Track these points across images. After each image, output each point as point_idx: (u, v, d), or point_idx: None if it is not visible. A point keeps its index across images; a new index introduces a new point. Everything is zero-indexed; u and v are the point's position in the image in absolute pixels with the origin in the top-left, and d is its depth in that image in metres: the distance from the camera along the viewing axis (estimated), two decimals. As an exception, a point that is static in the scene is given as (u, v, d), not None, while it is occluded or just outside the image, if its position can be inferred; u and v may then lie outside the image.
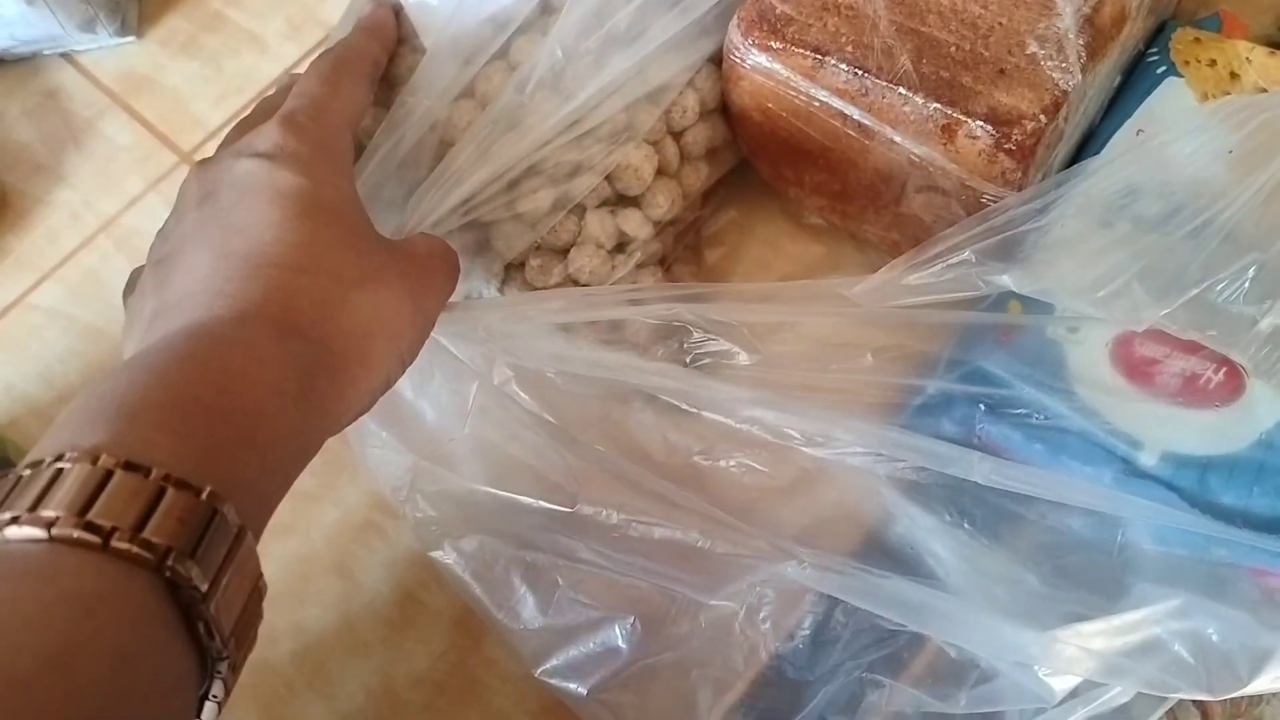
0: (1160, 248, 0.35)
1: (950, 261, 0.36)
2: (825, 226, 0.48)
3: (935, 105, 0.37)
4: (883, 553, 0.41)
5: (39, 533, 0.24)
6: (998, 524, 0.40)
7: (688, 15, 0.42)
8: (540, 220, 0.39)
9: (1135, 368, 0.37)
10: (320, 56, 0.39)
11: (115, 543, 0.24)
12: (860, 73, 0.38)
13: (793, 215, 0.49)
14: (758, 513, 0.40)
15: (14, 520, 0.24)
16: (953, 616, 0.35)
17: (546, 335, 0.38)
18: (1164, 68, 0.43)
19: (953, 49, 0.38)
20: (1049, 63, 0.37)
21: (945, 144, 0.38)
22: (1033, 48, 0.37)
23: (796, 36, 0.39)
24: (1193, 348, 0.36)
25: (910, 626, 0.36)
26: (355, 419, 0.33)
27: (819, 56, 0.39)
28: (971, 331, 0.39)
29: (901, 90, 0.38)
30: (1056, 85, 0.37)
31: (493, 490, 0.40)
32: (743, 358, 0.39)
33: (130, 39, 0.58)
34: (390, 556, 0.45)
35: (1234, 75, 0.42)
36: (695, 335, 0.39)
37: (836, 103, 0.39)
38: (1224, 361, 0.35)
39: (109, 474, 0.24)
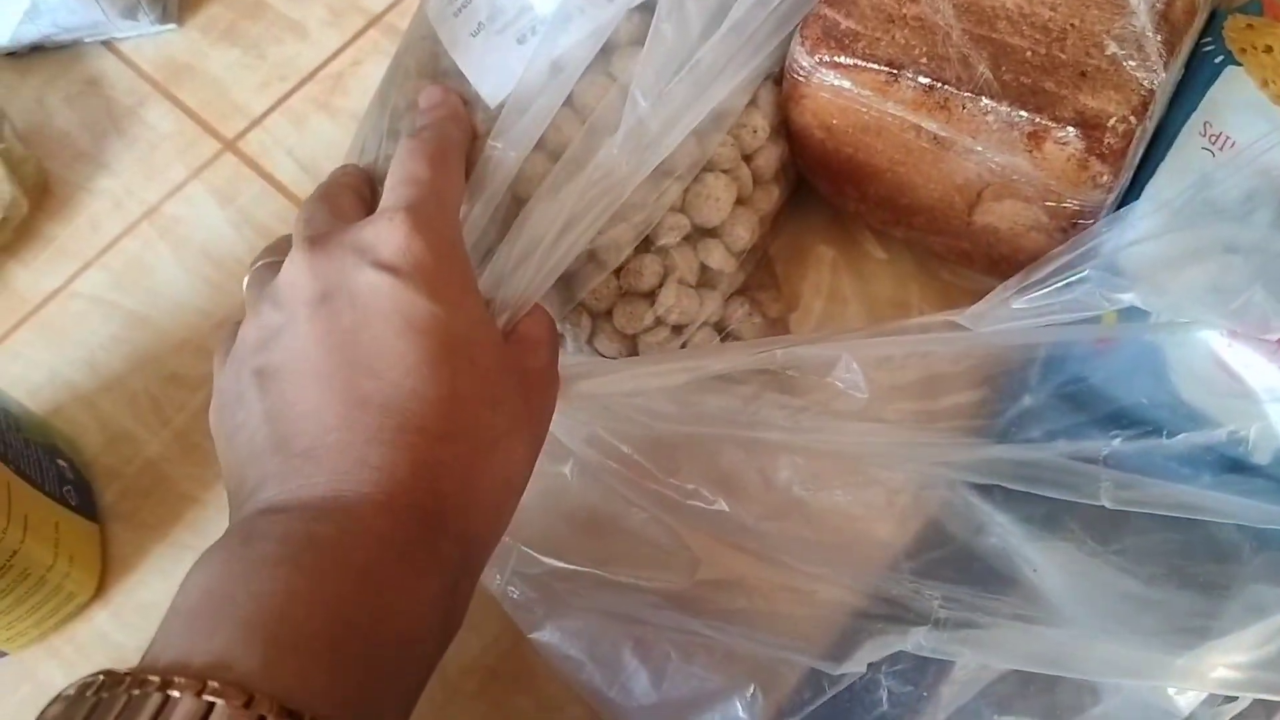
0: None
1: (1068, 280, 0.35)
2: (888, 241, 0.47)
3: (1021, 113, 0.37)
4: (978, 561, 0.40)
5: None
6: (1093, 528, 0.39)
7: (740, 33, 0.41)
8: (623, 264, 0.38)
9: (1241, 364, 0.36)
10: (416, 140, 0.36)
11: None
12: (939, 84, 0.37)
13: (853, 231, 0.48)
14: (862, 542, 0.40)
15: None
16: (1087, 656, 0.35)
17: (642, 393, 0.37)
18: (1221, 57, 0.43)
19: (1029, 54, 0.37)
20: (1130, 62, 0.37)
21: (1032, 151, 0.37)
22: (1112, 48, 0.37)
23: (867, 51, 0.38)
24: None
25: (1049, 672, 0.35)
26: None
27: (893, 71, 0.38)
28: (1065, 341, 0.39)
29: (985, 100, 0.37)
30: (1141, 84, 0.36)
31: (601, 573, 0.38)
32: (856, 395, 0.38)
33: (171, 26, 0.57)
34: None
35: (1292, 60, 0.42)
36: (806, 380, 0.38)
37: (912, 116, 0.39)
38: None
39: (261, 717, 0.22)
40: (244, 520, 0.28)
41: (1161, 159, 0.41)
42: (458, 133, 0.38)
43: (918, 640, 0.35)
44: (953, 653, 0.35)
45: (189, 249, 0.52)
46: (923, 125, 0.39)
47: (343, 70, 0.55)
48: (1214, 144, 0.41)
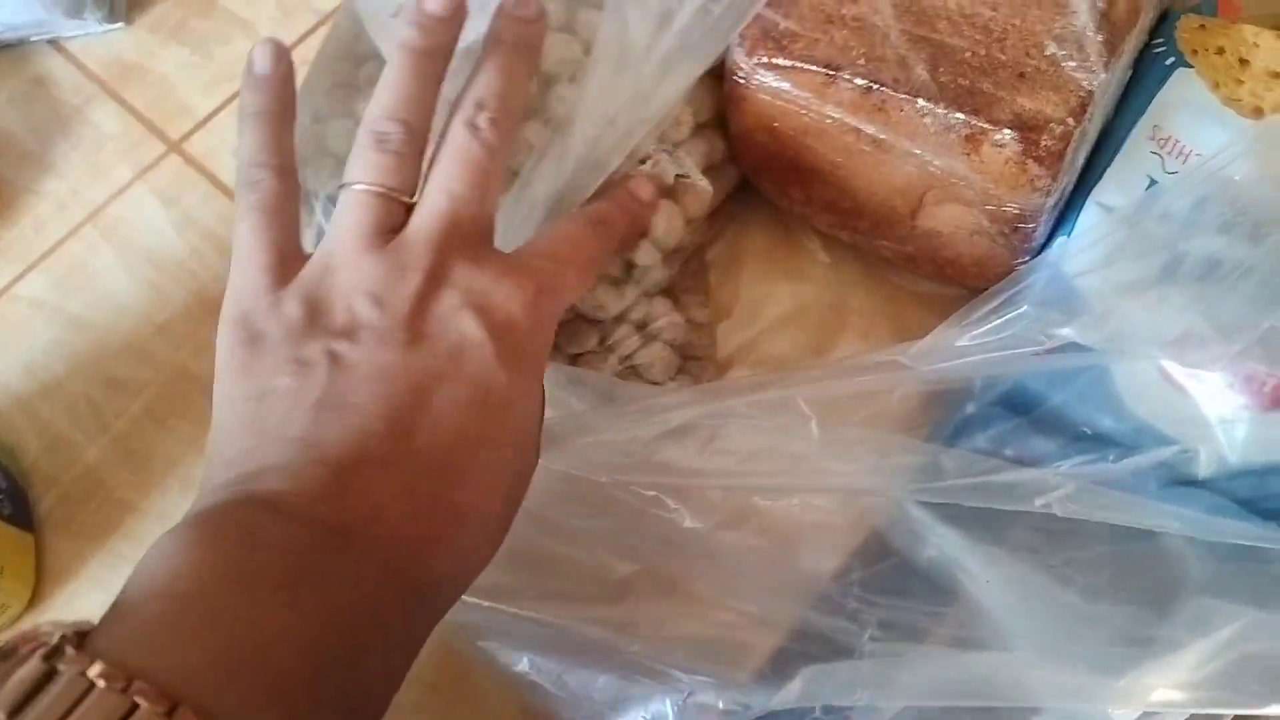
0: (1222, 283, 0.34)
1: (1007, 316, 0.35)
2: (833, 244, 0.46)
3: (958, 115, 0.36)
4: (918, 575, 0.39)
5: None
6: (1036, 539, 0.39)
7: (685, 41, 0.40)
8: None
9: (1186, 375, 0.36)
10: (594, 210, 0.36)
11: None
12: (876, 86, 0.37)
13: (797, 235, 0.47)
14: (804, 552, 0.39)
15: None
16: (1024, 681, 0.34)
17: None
18: (1172, 58, 0.42)
19: (968, 55, 0.37)
20: (1070, 63, 0.36)
21: (969, 154, 0.36)
22: (1052, 48, 0.36)
23: (804, 53, 0.38)
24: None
25: (985, 704, 0.34)
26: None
27: (830, 72, 0.37)
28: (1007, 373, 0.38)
29: (921, 102, 0.36)
30: (1081, 85, 0.36)
31: (536, 614, 0.38)
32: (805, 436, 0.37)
33: (119, 25, 0.56)
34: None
35: (1243, 61, 0.41)
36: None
37: (850, 119, 0.38)
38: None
39: None
40: (238, 505, 0.27)
41: (1109, 162, 0.40)
42: (622, 223, 0.37)
43: (848, 677, 0.34)
44: (884, 692, 0.34)
45: (132, 252, 0.51)
46: (862, 128, 0.38)
47: (291, 70, 0.55)
48: (1163, 148, 0.40)
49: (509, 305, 0.30)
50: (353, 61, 0.43)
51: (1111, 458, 0.37)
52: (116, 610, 0.24)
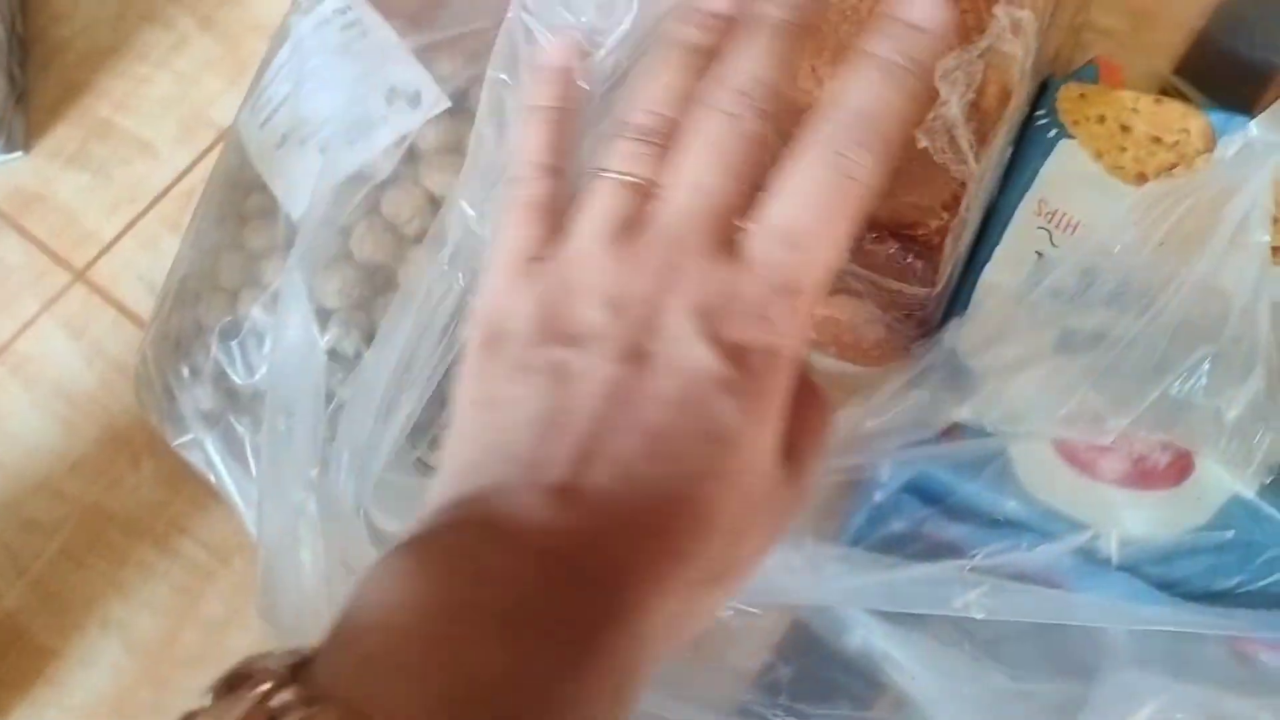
0: (1110, 354, 0.34)
1: (905, 404, 0.35)
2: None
3: (835, 215, 0.36)
4: (843, 667, 0.39)
5: None
6: (960, 622, 0.38)
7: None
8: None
9: (1082, 458, 0.36)
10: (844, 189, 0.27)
11: None
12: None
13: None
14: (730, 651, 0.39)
15: None
16: None
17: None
18: (1054, 130, 0.42)
19: (843, 152, 0.37)
20: (941, 156, 0.36)
21: (852, 251, 0.37)
22: (922, 142, 0.36)
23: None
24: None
25: None
26: None
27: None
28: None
29: (798, 204, 0.36)
30: (953, 179, 0.36)
31: None
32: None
33: (18, 155, 0.56)
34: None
35: (1124, 128, 0.42)
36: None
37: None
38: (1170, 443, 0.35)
39: None
40: (460, 529, 0.25)
41: (998, 241, 0.41)
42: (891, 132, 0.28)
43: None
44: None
45: (42, 388, 0.51)
46: (748, 227, 0.38)
47: (193, 187, 0.54)
48: (1050, 221, 0.41)
49: (758, 331, 0.26)
50: (241, 191, 0.43)
51: (1025, 545, 0.37)
52: (337, 639, 0.23)
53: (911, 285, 0.37)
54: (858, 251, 0.36)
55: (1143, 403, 0.34)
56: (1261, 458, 0.34)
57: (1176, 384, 0.33)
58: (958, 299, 0.40)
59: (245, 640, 0.45)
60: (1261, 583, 0.35)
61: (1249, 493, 0.35)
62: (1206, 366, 0.33)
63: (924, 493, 0.38)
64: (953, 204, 0.36)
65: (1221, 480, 0.34)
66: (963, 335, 0.38)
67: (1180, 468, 0.34)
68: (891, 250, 0.36)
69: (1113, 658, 0.37)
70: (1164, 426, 0.35)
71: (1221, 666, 0.36)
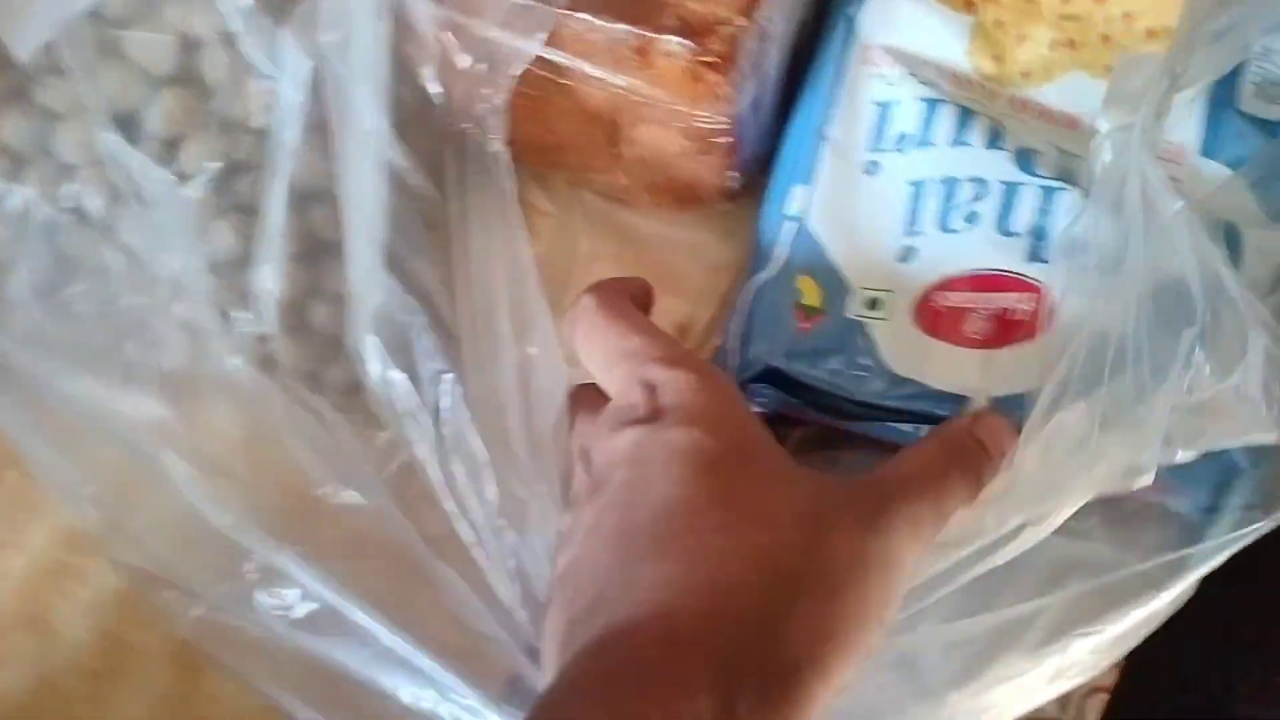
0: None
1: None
2: (555, 191, 0.43)
3: (623, 26, 0.33)
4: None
5: None
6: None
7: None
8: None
9: (944, 323, 0.34)
10: None
11: None
12: (536, 4, 0.33)
13: (524, 190, 0.44)
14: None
15: None
16: None
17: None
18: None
19: (630, -37, 0.34)
20: (733, -45, 0.33)
21: (643, 69, 0.34)
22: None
23: (459, -22, 0.34)
24: (997, 284, 0.33)
25: None
26: None
27: (486, -6, 0.34)
28: (766, 321, 0.36)
29: (582, 16, 0.33)
30: (748, -19, 0.33)
31: None
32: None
33: None
34: (91, 600, 0.39)
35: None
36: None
37: (521, 44, 0.35)
38: (1029, 287, 0.33)
39: None
40: None
41: (828, 94, 0.38)
42: None
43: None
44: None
45: None
46: (538, 54, 0.35)
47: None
48: (881, 63, 0.38)
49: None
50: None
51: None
52: None
53: (710, 104, 0.34)
54: (649, 68, 0.33)
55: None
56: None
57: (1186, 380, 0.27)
58: (787, 152, 0.38)
59: (20, 561, 0.40)
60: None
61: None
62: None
63: (781, 381, 0.36)
64: (747, 9, 0.33)
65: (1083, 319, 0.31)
66: (814, 204, 0.36)
67: (1043, 316, 0.33)
68: (685, 62, 0.33)
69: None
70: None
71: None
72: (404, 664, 0.33)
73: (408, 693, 0.33)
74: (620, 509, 0.26)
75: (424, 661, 0.33)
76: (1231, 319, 0.25)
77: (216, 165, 0.37)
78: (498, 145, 0.37)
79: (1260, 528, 0.28)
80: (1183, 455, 0.25)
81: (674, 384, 0.27)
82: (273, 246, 0.36)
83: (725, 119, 0.35)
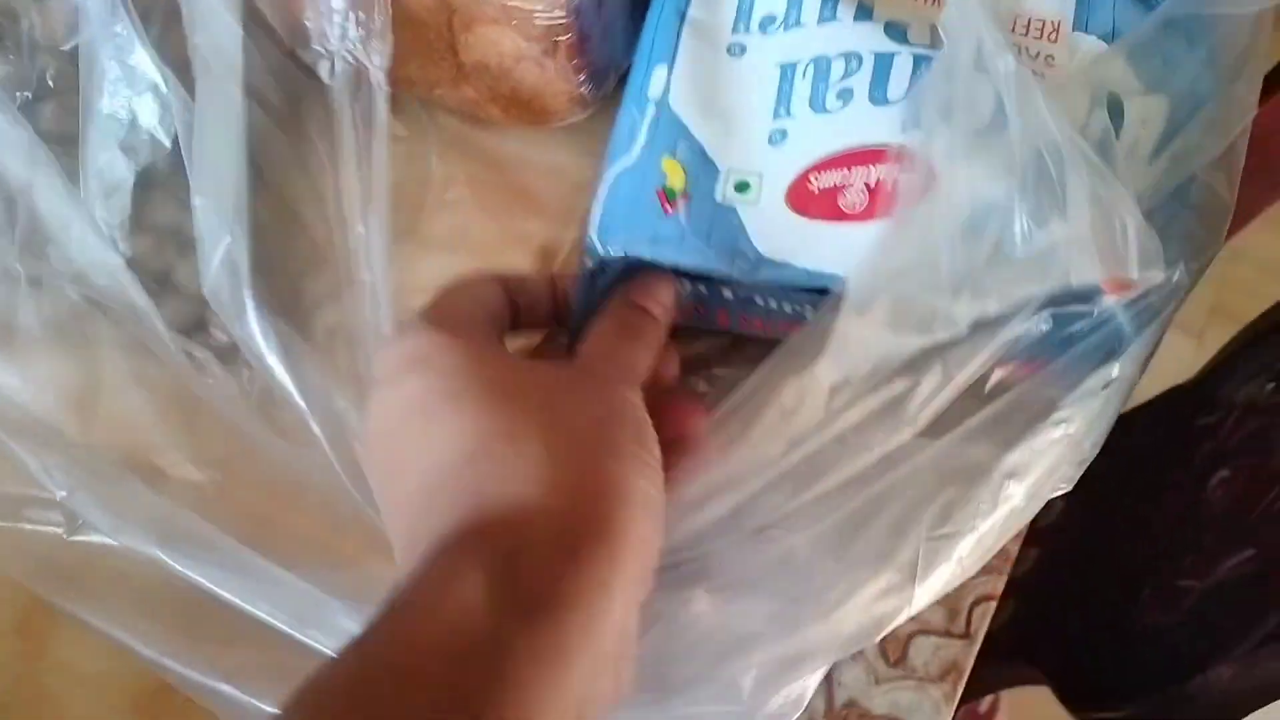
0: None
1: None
2: (406, 110, 0.41)
3: (439, -89, 0.31)
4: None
5: None
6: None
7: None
8: None
9: (816, 203, 0.32)
10: None
11: None
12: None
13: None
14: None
15: None
16: None
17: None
18: None
19: None
20: None
21: (466, -40, 0.31)
22: None
23: None
24: (869, 158, 0.32)
25: None
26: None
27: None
28: (627, 210, 0.34)
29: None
30: None
31: None
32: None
33: None
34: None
35: None
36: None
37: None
38: (903, 156, 0.31)
39: None
40: None
41: None
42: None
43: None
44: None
45: None
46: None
47: None
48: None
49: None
50: None
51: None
52: None
53: (540, -3, 0.32)
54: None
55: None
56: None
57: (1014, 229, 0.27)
58: (643, 32, 0.35)
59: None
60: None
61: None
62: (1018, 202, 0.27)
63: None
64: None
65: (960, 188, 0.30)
66: (676, 85, 0.34)
67: (921, 185, 0.31)
68: (507, -51, 0.31)
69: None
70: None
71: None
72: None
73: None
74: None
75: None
76: (1057, 165, 0.23)
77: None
78: (379, 74, 0.35)
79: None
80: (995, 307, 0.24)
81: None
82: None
83: (561, 12, 0.33)
